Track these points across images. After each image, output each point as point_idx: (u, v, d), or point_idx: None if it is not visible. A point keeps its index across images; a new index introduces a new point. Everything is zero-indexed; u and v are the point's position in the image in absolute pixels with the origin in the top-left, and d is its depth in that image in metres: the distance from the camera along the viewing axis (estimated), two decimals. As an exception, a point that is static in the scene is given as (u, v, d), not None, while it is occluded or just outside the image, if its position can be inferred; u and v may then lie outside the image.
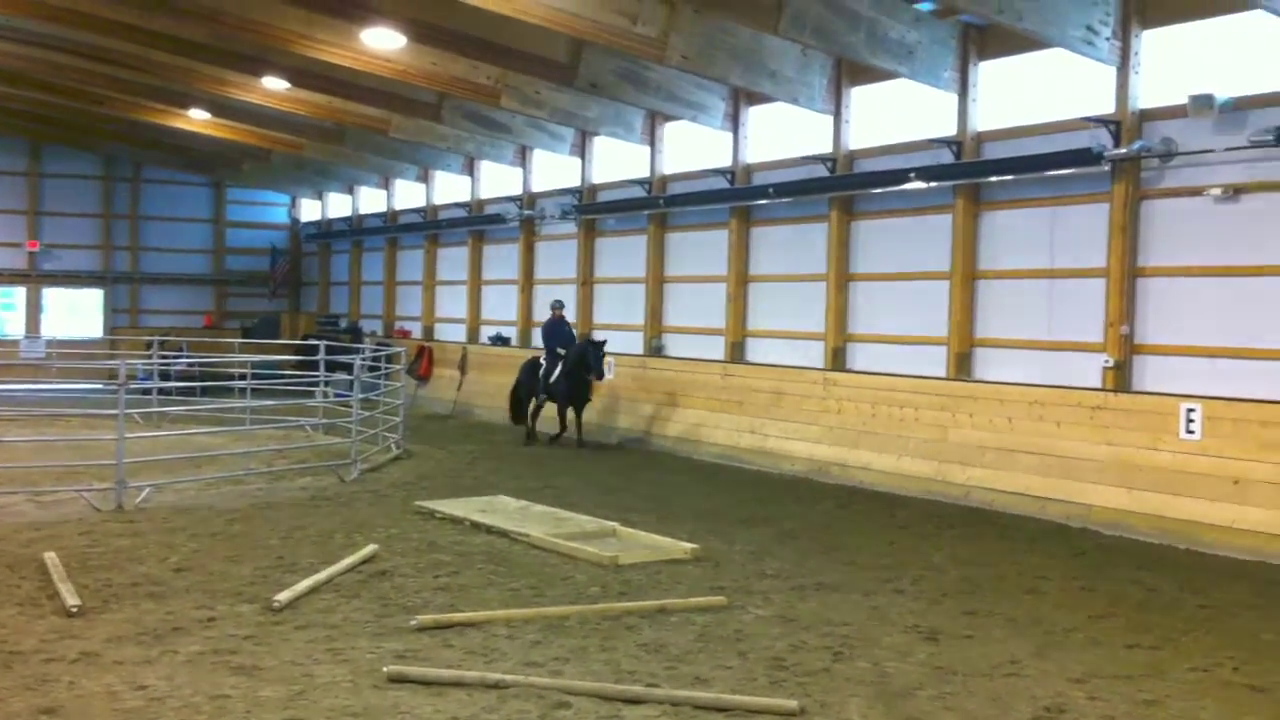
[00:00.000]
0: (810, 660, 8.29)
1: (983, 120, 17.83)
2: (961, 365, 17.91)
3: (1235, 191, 14.74)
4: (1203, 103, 14.59)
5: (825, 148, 20.09)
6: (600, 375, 20.83)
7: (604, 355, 20.97)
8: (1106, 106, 15.98)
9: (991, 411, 16.11)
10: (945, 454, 16.55)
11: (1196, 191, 15.11)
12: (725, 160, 22.24)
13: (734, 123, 22.01)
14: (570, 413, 21.41)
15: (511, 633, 8.89)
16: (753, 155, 21.94)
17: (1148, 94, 15.68)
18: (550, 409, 21.92)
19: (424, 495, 15.24)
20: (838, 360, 19.92)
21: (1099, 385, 15.78)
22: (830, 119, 19.96)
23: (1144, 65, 15.69)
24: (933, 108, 18.30)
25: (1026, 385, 16.07)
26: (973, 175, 17.62)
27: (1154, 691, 7.70)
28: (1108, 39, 15.58)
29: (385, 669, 7.85)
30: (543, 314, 27.88)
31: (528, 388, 21.94)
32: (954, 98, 17.93)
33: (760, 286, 21.94)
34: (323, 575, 10.51)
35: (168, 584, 10.35)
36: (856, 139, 19.86)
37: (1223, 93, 14.59)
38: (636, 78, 20.86)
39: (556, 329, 21.98)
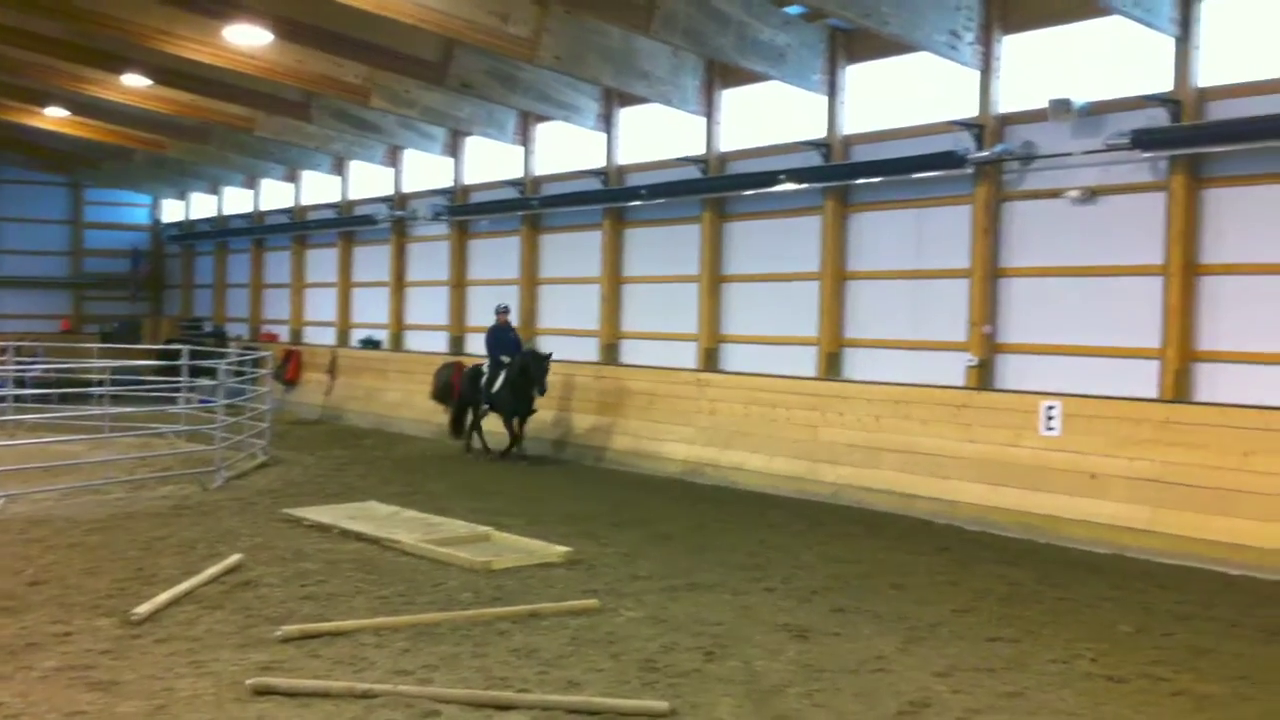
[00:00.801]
0: (682, 661, 8.29)
1: (851, 123, 18.09)
2: (831, 365, 18.15)
3: (1093, 193, 15.17)
4: (1061, 107, 14.99)
5: (698, 149, 20.21)
6: (543, 389, 19.39)
7: (548, 368, 19.46)
8: (970, 110, 16.33)
9: (860, 410, 16.34)
10: (816, 453, 16.74)
11: (1056, 194, 15.53)
12: (599, 161, 22.23)
13: (607, 124, 22.01)
14: (514, 422, 20.06)
15: (380, 641, 8.73)
16: (626, 156, 21.96)
17: (1009, 98, 16.07)
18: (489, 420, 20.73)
19: (291, 502, 14.92)
20: (711, 361, 20.04)
21: (963, 384, 16.12)
22: (703, 120, 20.09)
23: (1005, 70, 16.08)
24: (803, 110, 18.52)
25: (894, 384, 16.34)
26: (841, 177, 17.87)
27: (1016, 683, 7.85)
28: (971, 44, 15.92)
29: (249, 681, 7.64)
30: (416, 315, 27.67)
31: (470, 398, 20.66)
32: (823, 100, 18.18)
33: (634, 288, 21.97)
34: (184, 586, 10.21)
35: (22, 598, 9.95)
36: (728, 141, 20.01)
37: (1081, 97, 15.00)
38: (508, 77, 20.73)
39: (501, 336, 20.46)
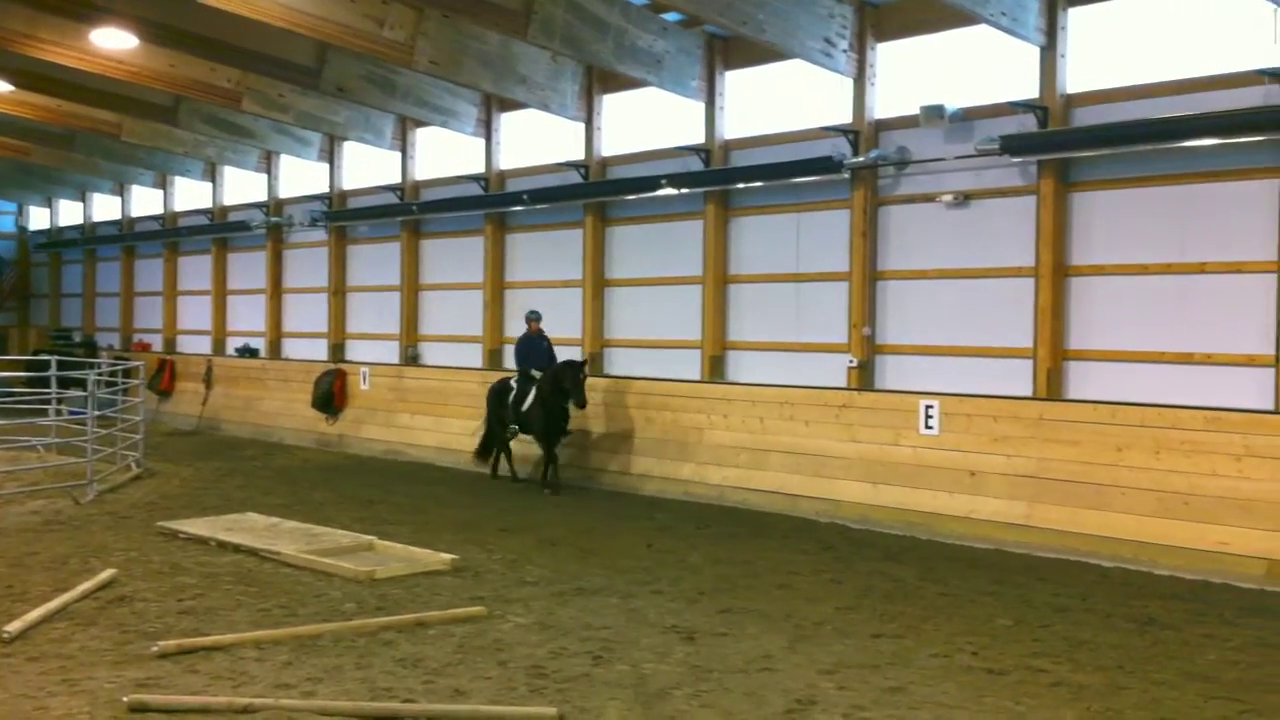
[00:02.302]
0: (570, 666, 8.26)
1: (731, 129, 18.25)
2: (715, 368, 18.29)
3: (966, 197, 15.52)
4: (934, 113, 15.30)
5: (579, 154, 20.21)
6: (582, 402, 16.95)
7: (584, 377, 17.12)
8: (845, 116, 16.59)
9: (745, 412, 16.46)
10: (701, 455, 16.83)
11: (930, 198, 15.85)
12: (479, 167, 22.11)
13: (487, 129, 21.91)
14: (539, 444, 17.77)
15: (261, 655, 8.54)
16: (507, 162, 21.89)
17: (884, 104, 16.36)
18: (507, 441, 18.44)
19: (166, 515, 14.54)
20: (595, 365, 20.03)
21: (844, 385, 16.35)
22: (583, 126, 20.08)
23: (880, 77, 16.36)
24: (683, 116, 18.63)
25: (777, 386, 16.49)
26: (721, 182, 18.03)
27: (899, 679, 7.97)
28: (845, 51, 16.17)
29: (125, 698, 7.41)
30: (295, 323, 27.19)
31: (492, 415, 18.24)
32: (702, 106, 18.30)
33: (517, 293, 21.88)
34: (56, 603, 9.88)
35: (-121, 621, 9.53)
36: (609, 146, 20.05)
37: (952, 104, 15.33)
38: (385, 82, 20.53)
39: (532, 346, 17.91)
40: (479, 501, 16.35)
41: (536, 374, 17.34)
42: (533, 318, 18.05)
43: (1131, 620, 9.79)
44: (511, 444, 18.24)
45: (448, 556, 11.80)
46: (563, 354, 20.39)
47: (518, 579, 11.17)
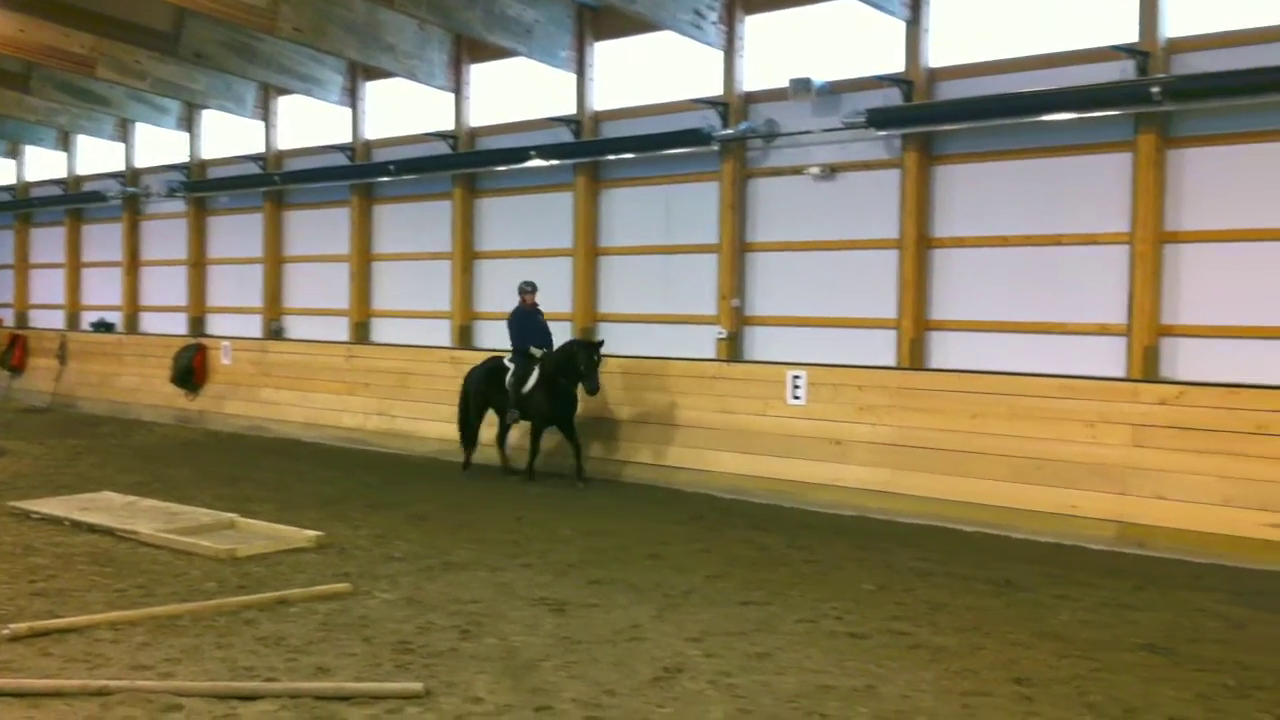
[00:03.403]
0: (437, 641, 8.17)
1: (601, 100, 18.16)
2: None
3: (833, 170, 15.67)
4: (801, 86, 15.40)
5: (447, 125, 19.94)
6: (594, 388, 15.14)
7: (599, 359, 15.32)
8: (715, 88, 16.62)
9: (619, 384, 16.45)
10: (581, 429, 16.75)
11: (798, 170, 15.97)
12: (345, 136, 21.69)
13: (352, 97, 21.50)
14: (545, 436, 16.01)
15: (117, 636, 8.28)
16: (373, 131, 21.51)
17: (753, 77, 16.42)
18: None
19: (18, 495, 14.02)
20: (466, 339, 19.87)
21: (714, 356, 16.44)
22: (451, 96, 19.81)
23: (749, 49, 16.42)
24: (553, 87, 18.49)
25: (649, 358, 16.51)
26: (591, 154, 17.94)
27: (765, 645, 8.05)
28: (714, 23, 16.20)
29: (-29, 684, 7.13)
30: (153, 296, 26.43)
31: (483, 398, 16.34)
32: (572, 77, 18.18)
33: (385, 265, 21.56)
34: (-104, 589, 9.47)
35: None
36: (479, 116, 19.81)
37: (820, 77, 15.45)
38: (246, 49, 20.00)
39: (527, 321, 16.15)
40: (344, 477, 16.09)
41: (537, 352, 15.74)
42: (527, 289, 16.23)
43: (989, 583, 10.04)
44: (481, 433, 16.60)
45: (312, 533, 11.59)
46: (434, 330, 20.25)
47: (385, 555, 11.02)
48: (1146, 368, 13.05)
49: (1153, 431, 11.97)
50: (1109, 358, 13.41)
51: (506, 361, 16.08)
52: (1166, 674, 7.49)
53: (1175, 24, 13.00)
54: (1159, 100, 12.69)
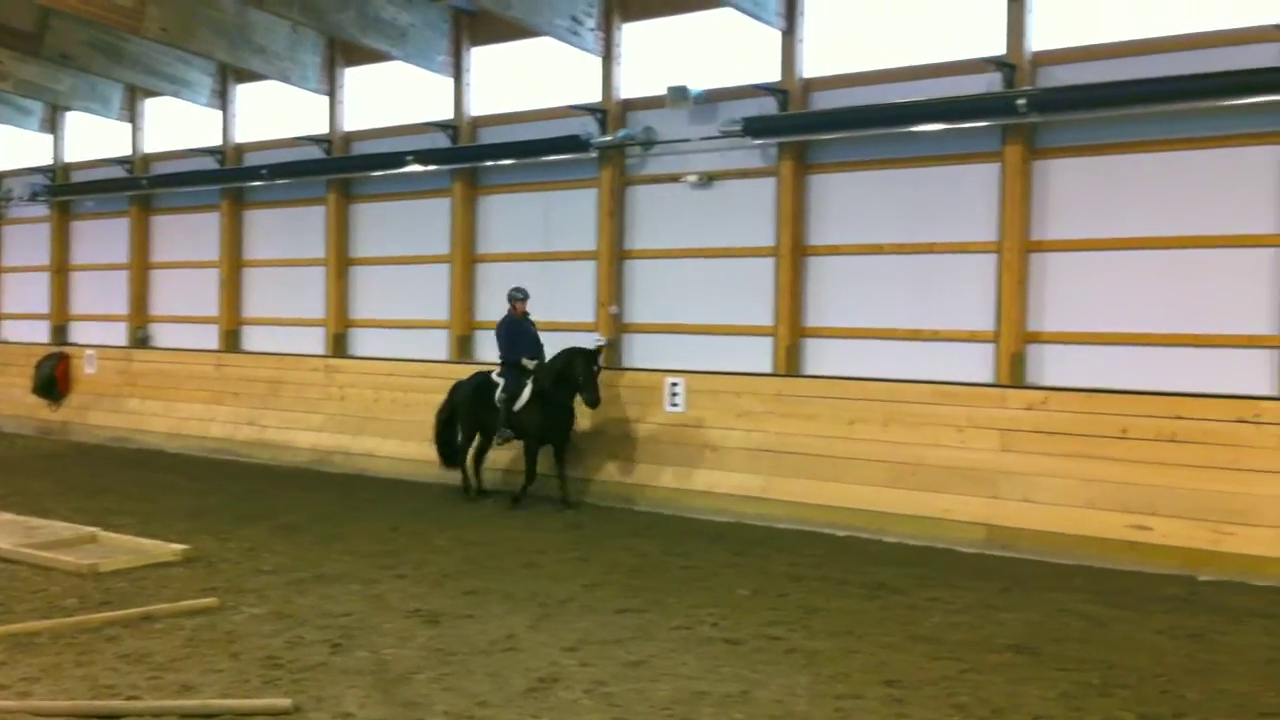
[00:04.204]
0: (307, 655, 8.00)
1: (478, 105, 18.03)
2: (465, 348, 18.08)
3: (709, 178, 15.75)
4: (679, 94, 15.46)
5: (321, 129, 19.62)
6: (595, 400, 14.06)
7: (599, 369, 14.22)
8: (594, 95, 16.60)
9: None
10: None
11: (675, 178, 16.02)
12: (215, 139, 21.21)
13: (223, 100, 21.04)
14: (540, 455, 14.65)
15: (-30, 656, 7.95)
16: (245, 135, 21.07)
17: (630, 84, 16.44)
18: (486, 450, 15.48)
19: None
20: (340, 346, 19.55)
21: (593, 363, 16.39)
22: (325, 99, 19.50)
23: (626, 57, 16.43)
24: (430, 91, 18.30)
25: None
26: (469, 160, 17.80)
27: (641, 652, 8.03)
28: (592, 30, 16.18)
29: None
30: (12, 304, 25.55)
31: (470, 417, 15.01)
32: (449, 82, 18.02)
33: (256, 272, 21.12)
34: None
35: None
36: (353, 120, 19.53)
37: (697, 85, 15.52)
38: (112, 49, 19.47)
39: (518, 330, 14.90)
40: (212, 488, 15.70)
41: (529, 364, 14.58)
42: (517, 297, 14.98)
43: (863, 586, 10.16)
44: (466, 452, 15.30)
45: (179, 547, 11.29)
46: (307, 337, 19.89)
47: (254, 568, 10.78)
48: (1014, 373, 13.34)
49: (1020, 436, 12.24)
50: (978, 364, 13.68)
51: (495, 376, 14.86)
52: (1032, 674, 7.64)
53: (1041, 37, 13.33)
54: (1025, 112, 13.00)
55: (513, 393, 14.46)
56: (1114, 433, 11.67)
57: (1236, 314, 12.25)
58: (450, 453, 15.21)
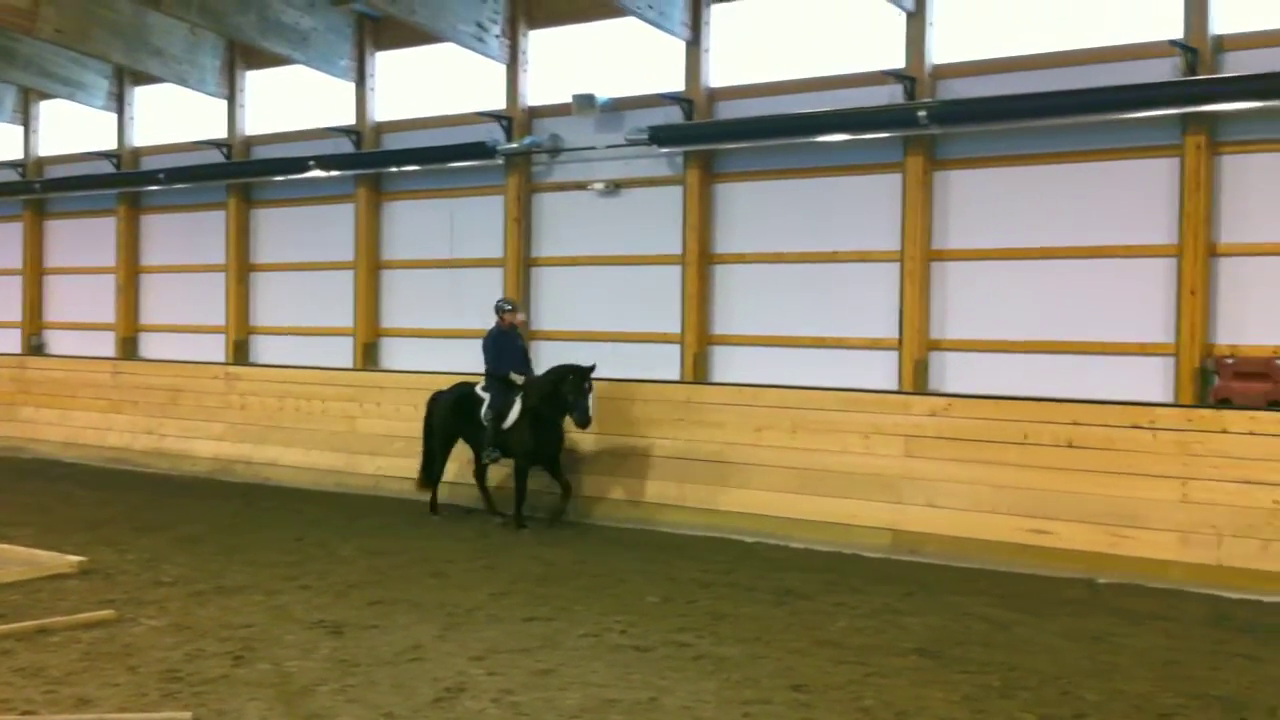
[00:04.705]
0: (208, 668, 7.83)
1: (383, 111, 17.89)
2: (369, 355, 17.91)
3: (616, 186, 15.78)
4: (585, 102, 15.48)
5: (221, 133, 19.31)
6: (585, 419, 13.16)
7: (590, 386, 13.30)
8: (500, 102, 16.55)
9: (399, 400, 16.17)
10: (354, 445, 16.43)
11: (582, 186, 16.04)
12: (111, 143, 20.77)
13: (119, 103, 20.64)
14: (527, 473, 13.73)
15: None
16: (142, 138, 20.67)
17: (537, 92, 16.42)
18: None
19: None
20: (241, 354, 19.25)
21: (499, 371, 16.31)
22: (225, 103, 19.20)
23: (532, 64, 16.41)
24: (334, 96, 18.10)
25: (433, 373, 16.25)
26: (373, 165, 17.65)
27: (549, 661, 7.99)
28: (497, 36, 16.14)
29: None
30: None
31: (447, 433, 14.25)
32: (353, 87, 17.84)
33: (155, 278, 20.73)
34: None
35: None
36: (254, 125, 19.26)
37: (603, 93, 15.55)
38: (4, 51, 19.10)
39: (506, 343, 14.02)
40: (111, 499, 15.34)
41: (518, 379, 13.76)
42: (506, 309, 14.14)
43: (771, 592, 10.21)
44: (442, 469, 14.53)
45: (75, 558, 10.99)
46: (208, 345, 19.55)
47: (152, 580, 10.53)
48: (917, 380, 13.55)
49: (924, 442, 12.40)
50: (883, 371, 13.88)
51: (479, 390, 14.01)
52: (935, 677, 7.74)
53: (941, 51, 13.57)
54: (925, 124, 13.21)
55: (499, 410, 13.62)
56: (1015, 439, 11.87)
57: (1133, 323, 12.57)
58: (430, 470, 14.43)
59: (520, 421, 13.49)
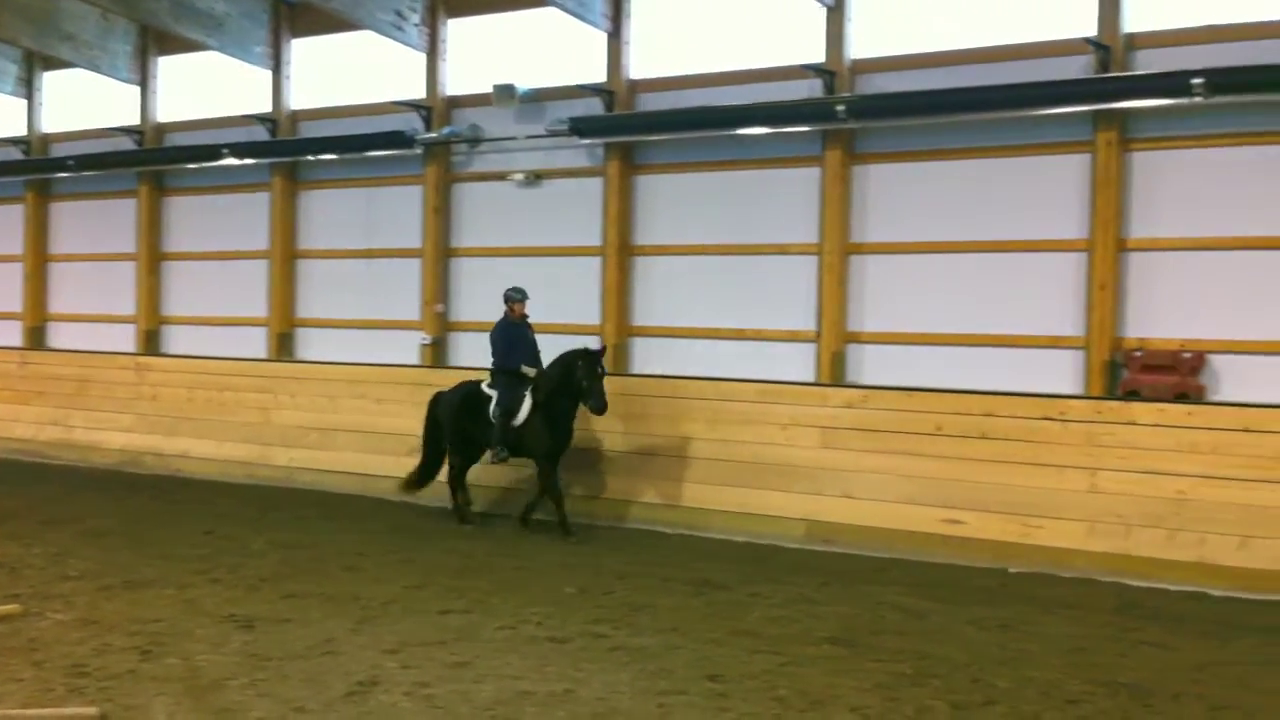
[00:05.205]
0: (115, 663, 7.67)
1: (300, 99, 17.64)
2: (284, 346, 17.67)
3: (537, 177, 15.71)
4: (505, 92, 15.38)
5: (134, 119, 18.93)
6: (601, 406, 12.40)
7: (604, 371, 12.59)
8: (419, 92, 16.39)
9: (315, 391, 16.00)
10: (268, 436, 16.22)
11: (502, 176, 15.95)
12: (20, 129, 20.29)
13: (28, 88, 20.17)
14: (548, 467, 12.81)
15: None
16: (52, 125, 20.21)
17: (457, 81, 16.30)
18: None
19: None
20: (152, 344, 18.91)
21: (418, 362, 16.20)
22: (138, 89, 18.83)
23: (452, 53, 16.28)
24: (250, 84, 17.81)
25: (349, 364, 16.11)
26: (288, 154, 17.41)
27: (465, 653, 7.93)
28: (416, 25, 15.99)
29: None
30: None
31: (458, 435, 13.21)
32: (269, 74, 17.58)
33: (64, 266, 20.31)
34: None
35: None
36: (168, 112, 18.91)
37: (524, 83, 15.46)
38: (-95, 32, 18.45)
39: (516, 335, 13.13)
40: (15, 491, 14.98)
41: (529, 372, 12.94)
42: (515, 297, 13.20)
43: (688, 583, 10.23)
44: (457, 472, 13.40)
45: (-23, 553, 10.74)
46: (118, 335, 19.17)
47: (59, 574, 10.30)
48: (835, 372, 13.65)
49: (840, 433, 12.50)
50: (801, 363, 13.96)
51: (485, 387, 13.09)
52: (849, 665, 7.80)
53: (860, 46, 13.66)
54: (844, 118, 13.31)
55: (509, 407, 12.73)
56: (929, 430, 12.00)
57: (1045, 316, 12.76)
58: (426, 473, 13.57)
59: (533, 417, 12.64)
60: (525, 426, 12.67)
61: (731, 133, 14.20)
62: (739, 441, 12.99)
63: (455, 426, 13.15)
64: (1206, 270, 12.05)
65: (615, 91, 14.98)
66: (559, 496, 12.57)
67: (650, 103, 14.96)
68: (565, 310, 15.45)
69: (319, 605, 9.27)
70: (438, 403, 13.46)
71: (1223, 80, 11.58)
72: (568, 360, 12.53)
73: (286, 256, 17.68)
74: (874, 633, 8.67)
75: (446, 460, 13.44)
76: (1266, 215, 11.75)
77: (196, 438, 16.85)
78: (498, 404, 12.81)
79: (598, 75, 15.15)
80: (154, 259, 18.98)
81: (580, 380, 12.36)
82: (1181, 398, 11.67)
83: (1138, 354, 12.24)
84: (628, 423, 13.64)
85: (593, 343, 13.34)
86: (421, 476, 13.61)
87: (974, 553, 11.44)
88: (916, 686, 7.37)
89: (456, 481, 13.30)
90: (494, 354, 13.08)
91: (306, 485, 15.36)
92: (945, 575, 10.84)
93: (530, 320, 13.36)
